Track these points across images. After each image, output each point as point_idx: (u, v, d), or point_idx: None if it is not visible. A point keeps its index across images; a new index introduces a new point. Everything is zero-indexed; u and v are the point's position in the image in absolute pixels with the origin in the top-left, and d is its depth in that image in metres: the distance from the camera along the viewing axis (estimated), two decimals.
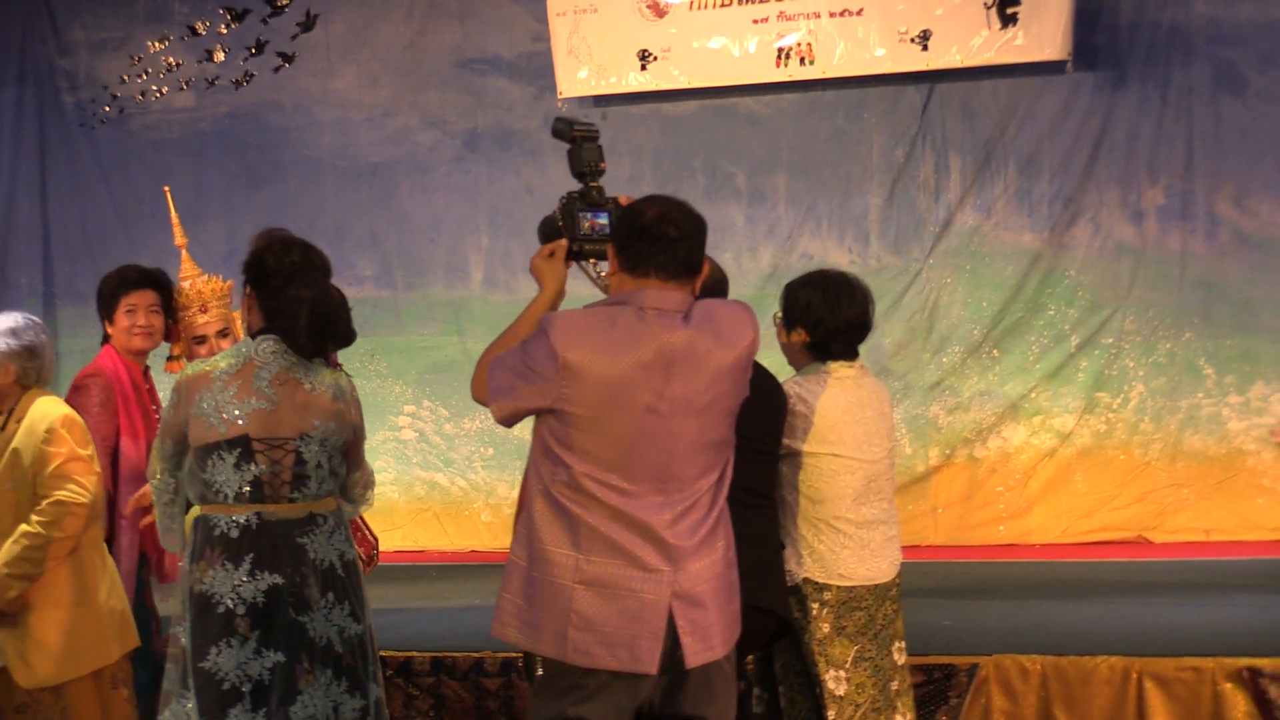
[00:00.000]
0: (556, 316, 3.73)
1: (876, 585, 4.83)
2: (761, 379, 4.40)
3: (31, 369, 5.17)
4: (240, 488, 4.42)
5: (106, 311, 5.73)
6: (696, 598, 3.73)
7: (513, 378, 3.74)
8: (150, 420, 5.66)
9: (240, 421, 4.43)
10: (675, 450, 3.72)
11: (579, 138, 4.23)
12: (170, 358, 5.84)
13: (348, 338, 4.60)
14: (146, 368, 5.84)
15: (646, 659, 3.68)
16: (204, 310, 5.79)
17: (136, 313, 5.69)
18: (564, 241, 4.09)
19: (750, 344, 3.85)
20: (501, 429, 9.43)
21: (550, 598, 3.70)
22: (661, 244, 3.73)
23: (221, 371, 4.47)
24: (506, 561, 3.82)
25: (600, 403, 3.65)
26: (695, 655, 3.74)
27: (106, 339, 5.76)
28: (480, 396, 3.88)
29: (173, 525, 4.66)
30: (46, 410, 5.11)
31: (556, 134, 4.21)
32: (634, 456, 3.68)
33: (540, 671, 3.81)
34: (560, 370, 3.64)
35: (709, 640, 3.76)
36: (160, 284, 5.77)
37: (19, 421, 5.10)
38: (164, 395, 5.12)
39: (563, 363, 3.63)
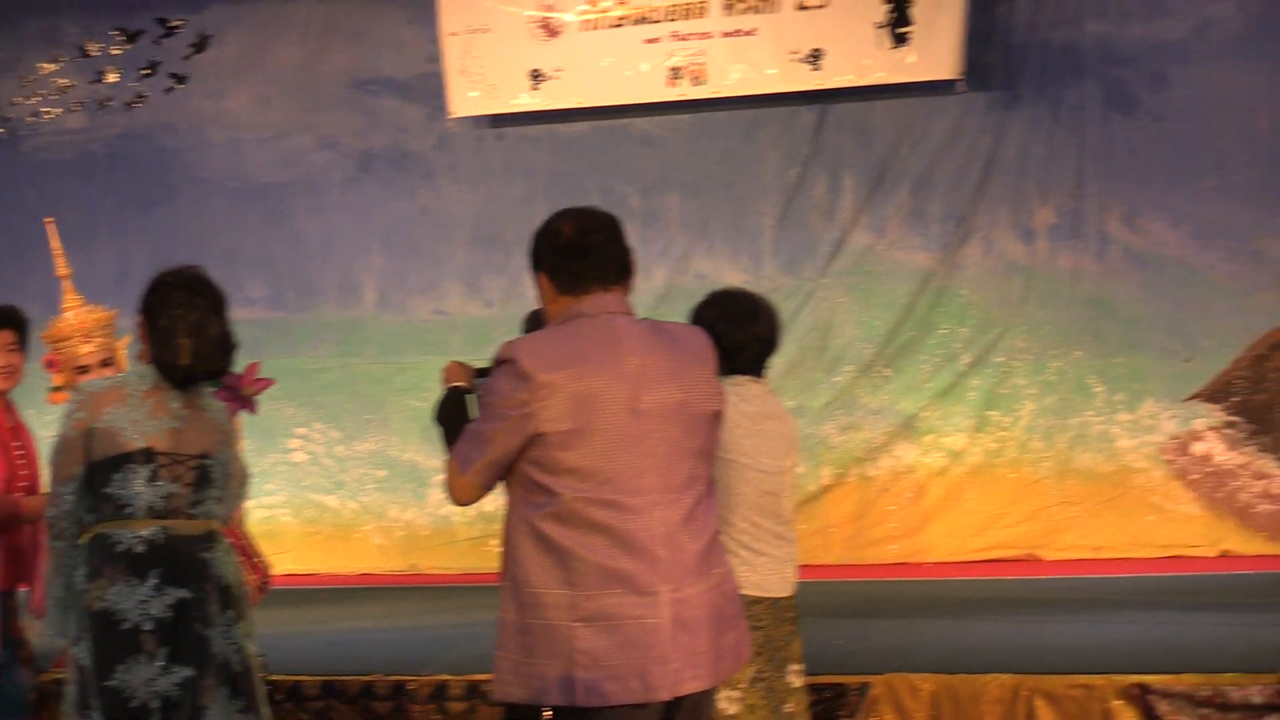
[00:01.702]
0: (518, 343, 3.66)
1: (774, 602, 4.78)
2: None
3: None
4: (153, 501, 4.37)
5: None
6: (690, 623, 3.64)
7: (476, 440, 3.67)
8: (10, 456, 5.54)
9: (154, 435, 4.39)
10: (659, 455, 3.65)
11: None
12: (54, 389, 5.77)
13: (220, 374, 4.57)
14: (8, 403, 5.71)
15: (658, 685, 3.58)
16: (87, 340, 5.74)
17: None
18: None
19: (708, 347, 3.83)
20: (395, 450, 9.58)
21: (549, 643, 3.59)
22: (592, 255, 3.70)
23: (134, 387, 4.44)
24: (497, 621, 3.68)
25: (580, 414, 3.58)
26: (684, 683, 3.62)
27: None
28: (458, 495, 3.75)
29: (67, 597, 4.49)
30: None
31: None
32: (622, 464, 3.60)
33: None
34: (534, 392, 3.57)
35: (699, 670, 3.65)
36: (16, 322, 5.63)
37: None
38: (45, 427, 5.01)
39: (536, 384, 3.57)
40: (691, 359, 3.75)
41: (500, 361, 3.64)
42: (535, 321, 4.19)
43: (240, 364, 4.83)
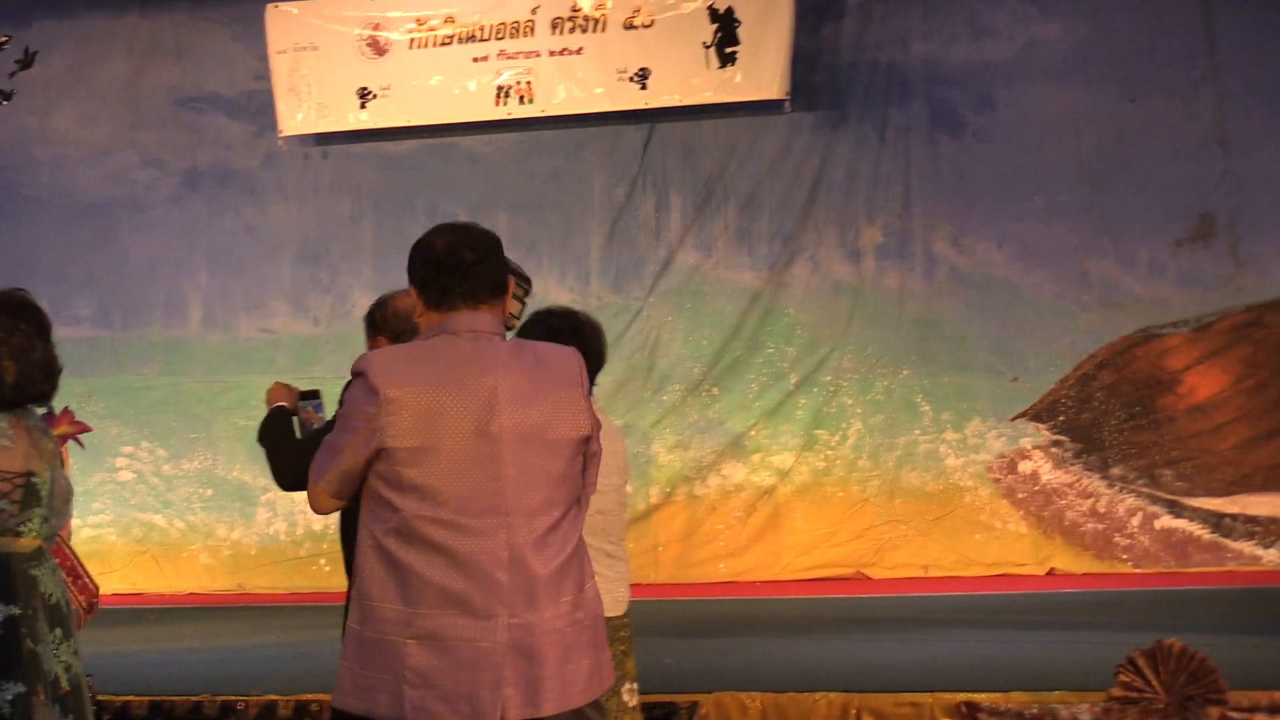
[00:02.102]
0: (371, 356, 3.61)
1: (607, 621, 4.72)
2: None
3: None
4: None
5: None
6: (529, 649, 3.56)
7: (329, 450, 3.62)
8: None
9: None
10: (509, 478, 3.56)
11: None
12: None
13: (44, 398, 4.48)
14: None
15: (488, 709, 3.50)
16: None
17: None
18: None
19: (578, 370, 3.72)
20: (222, 469, 9.48)
21: (383, 657, 3.54)
22: (459, 271, 3.59)
23: None
24: (345, 629, 3.66)
25: (426, 431, 3.51)
26: (515, 709, 3.53)
27: None
28: (313, 503, 3.72)
29: None
30: None
31: None
32: (465, 485, 3.53)
33: None
34: (381, 406, 3.50)
35: (535, 697, 3.55)
36: None
37: None
38: None
39: (384, 399, 3.50)
40: (557, 382, 3.66)
41: (355, 374, 3.58)
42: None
43: (61, 395, 4.77)
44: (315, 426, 4.57)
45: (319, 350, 9.34)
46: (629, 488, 8.63)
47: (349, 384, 3.66)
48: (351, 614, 3.62)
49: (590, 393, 4.77)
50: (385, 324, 4.67)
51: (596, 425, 3.72)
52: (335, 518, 4.47)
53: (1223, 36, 8.79)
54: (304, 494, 3.75)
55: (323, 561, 9.12)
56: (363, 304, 4.73)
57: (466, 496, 3.54)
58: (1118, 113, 8.88)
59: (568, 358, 3.73)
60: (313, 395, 4.66)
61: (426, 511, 3.52)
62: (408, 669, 3.52)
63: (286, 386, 4.47)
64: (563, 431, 3.66)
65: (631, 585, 4.83)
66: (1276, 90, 8.72)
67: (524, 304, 4.24)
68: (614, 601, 4.80)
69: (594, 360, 4.89)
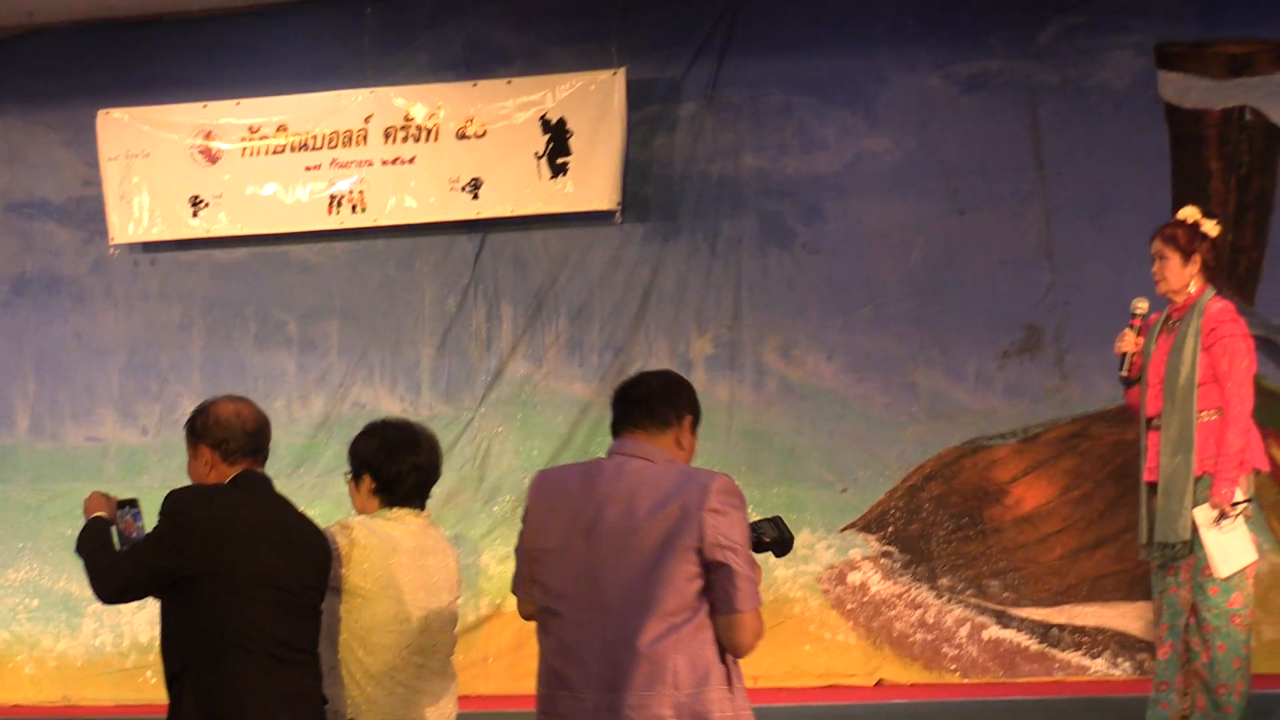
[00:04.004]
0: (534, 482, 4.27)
1: None
2: (303, 528, 4.63)
3: None
4: None
5: None
6: None
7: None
8: None
9: None
10: (607, 578, 4.02)
11: None
12: None
13: None
14: None
15: None
16: None
17: None
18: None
19: (701, 490, 4.06)
20: (48, 579, 9.36)
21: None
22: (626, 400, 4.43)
23: None
24: None
25: (547, 533, 4.11)
26: None
27: None
28: (522, 610, 4.29)
29: None
30: None
31: None
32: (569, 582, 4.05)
33: None
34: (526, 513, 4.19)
35: None
36: None
37: None
38: None
39: (527, 506, 4.20)
40: (672, 497, 4.05)
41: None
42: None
43: None
44: (134, 537, 4.62)
45: (147, 459, 9.27)
46: (459, 599, 8.66)
47: (132, 501, 4.15)
48: None
49: (424, 507, 4.85)
50: (206, 431, 4.71)
51: (712, 539, 3.99)
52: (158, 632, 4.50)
53: (1050, 152, 8.90)
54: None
55: (149, 674, 9.00)
56: (191, 411, 4.73)
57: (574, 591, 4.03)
58: (946, 225, 8.96)
59: (702, 478, 4.08)
60: (131, 504, 4.69)
61: (546, 603, 4.07)
62: None
63: (105, 496, 4.50)
64: (667, 539, 4.00)
65: (462, 698, 4.88)
66: (1101, 205, 8.83)
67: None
68: (442, 717, 4.81)
69: (429, 474, 4.94)
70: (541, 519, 4.10)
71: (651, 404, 4.28)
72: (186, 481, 4.77)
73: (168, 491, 4.59)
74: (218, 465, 4.71)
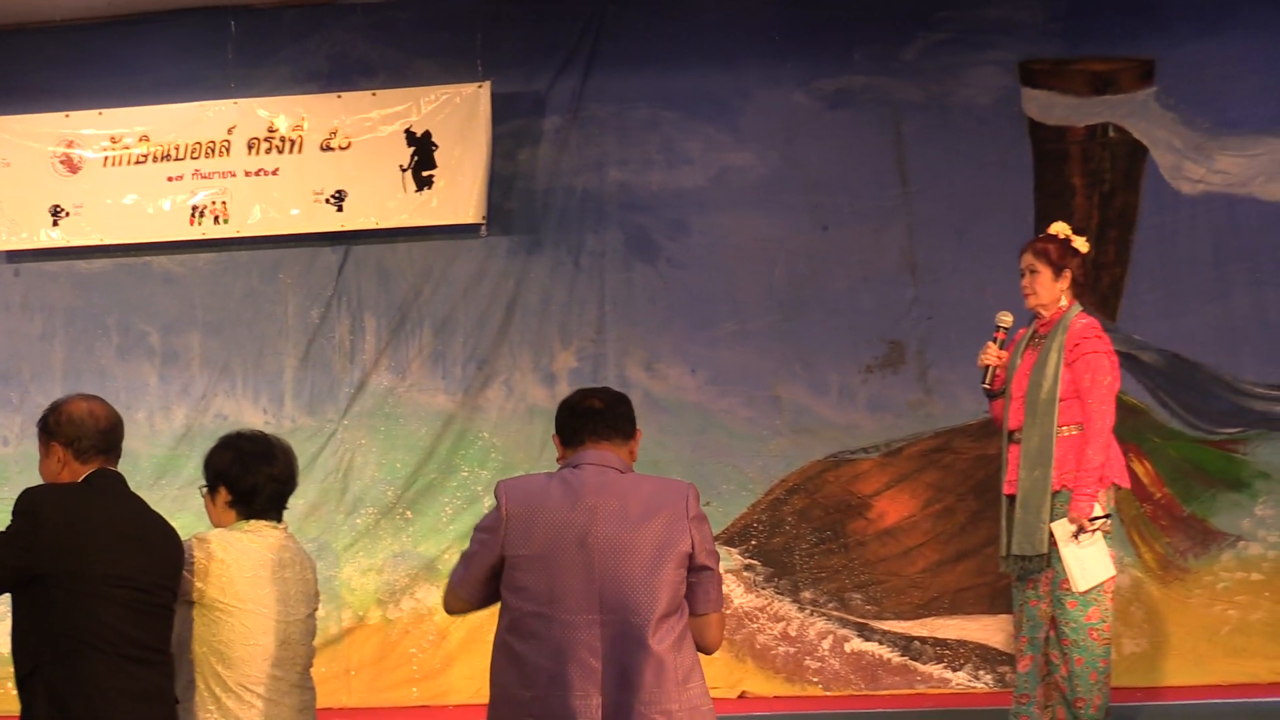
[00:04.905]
0: (504, 482, 4.49)
1: None
2: (157, 527, 4.64)
3: None
4: None
5: None
6: None
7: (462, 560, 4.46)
8: None
9: None
10: (602, 582, 4.26)
11: None
12: None
13: None
14: None
15: None
16: None
17: None
18: None
19: (683, 496, 4.46)
20: None
21: None
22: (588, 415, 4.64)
23: None
24: None
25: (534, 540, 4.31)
26: None
27: None
28: (448, 605, 4.59)
29: None
30: None
31: None
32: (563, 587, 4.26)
33: None
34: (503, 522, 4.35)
35: None
36: None
37: None
38: None
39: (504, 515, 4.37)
40: (655, 507, 4.36)
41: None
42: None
43: None
44: None
45: (8, 470, 9.17)
46: (321, 611, 8.62)
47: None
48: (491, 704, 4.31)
49: (282, 518, 4.84)
50: (59, 429, 4.68)
51: (700, 546, 4.38)
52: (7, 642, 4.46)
53: (913, 168, 8.98)
54: None
55: (9, 685, 8.91)
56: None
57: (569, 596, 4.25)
58: (810, 240, 9.02)
59: (678, 488, 4.47)
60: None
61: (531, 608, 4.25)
62: None
63: None
64: (658, 548, 4.30)
65: (324, 710, 4.89)
66: (965, 221, 8.91)
67: None
68: None
69: (285, 484, 4.93)
70: (522, 528, 4.29)
71: (614, 418, 4.59)
72: None
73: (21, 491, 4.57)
74: (70, 463, 4.70)
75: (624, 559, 4.27)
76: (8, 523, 4.54)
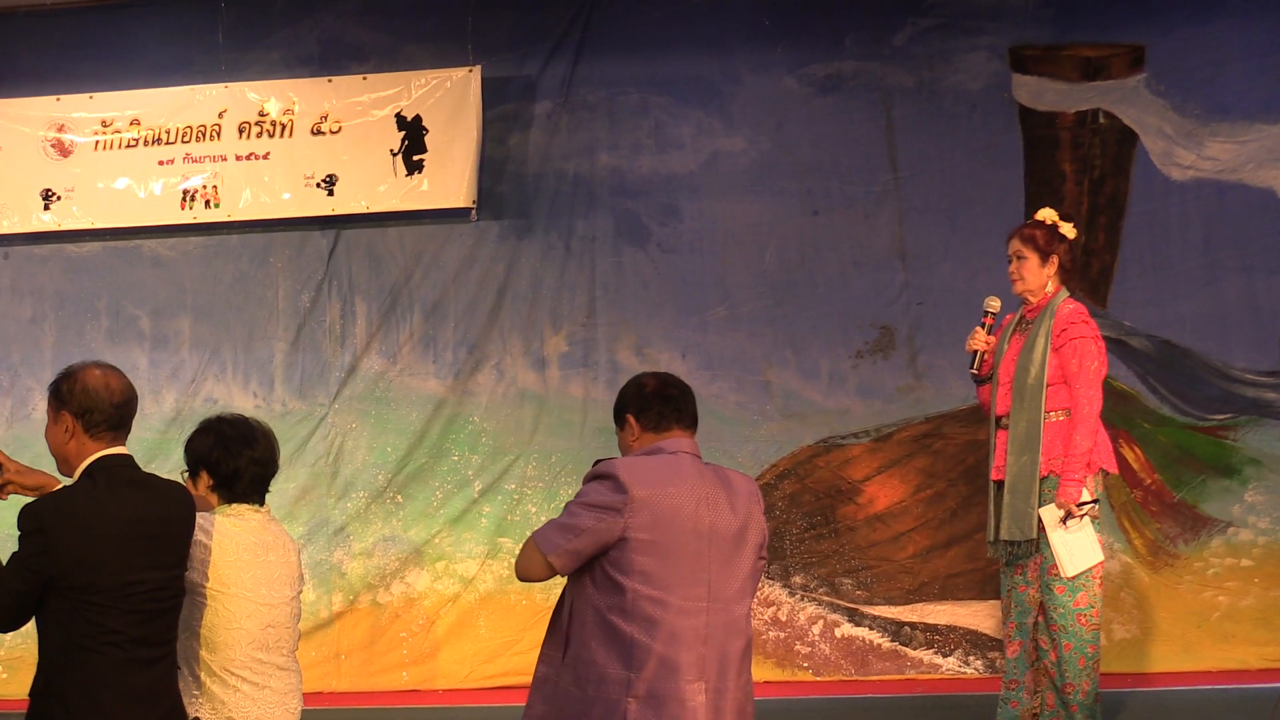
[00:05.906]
0: (618, 461, 4.46)
1: None
2: (162, 512, 4.55)
3: None
4: None
5: None
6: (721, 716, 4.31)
7: (564, 531, 4.36)
8: None
9: None
10: (715, 570, 4.38)
11: None
12: None
13: None
14: None
15: None
16: None
17: None
18: None
19: (757, 490, 4.66)
20: None
21: (603, 713, 4.24)
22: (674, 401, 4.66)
23: None
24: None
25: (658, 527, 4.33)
26: None
27: None
28: (527, 571, 4.48)
29: None
30: None
31: None
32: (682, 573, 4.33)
33: None
34: (629, 504, 4.32)
35: None
36: None
37: None
38: None
39: (630, 496, 4.33)
40: (747, 498, 4.52)
41: (604, 475, 4.40)
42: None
43: None
44: None
45: None
46: (311, 595, 8.63)
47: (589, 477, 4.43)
48: (565, 676, 4.38)
49: (264, 502, 4.83)
50: (72, 397, 4.48)
51: (767, 538, 4.59)
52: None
53: (903, 153, 8.99)
54: None
55: (0, 670, 8.93)
56: (43, 407, 4.61)
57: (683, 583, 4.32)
58: (800, 225, 9.02)
59: (750, 481, 4.60)
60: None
61: (646, 591, 4.28)
62: None
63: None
64: (750, 538, 4.48)
65: (314, 694, 4.87)
66: (954, 207, 8.92)
67: None
68: (287, 714, 4.78)
69: (266, 468, 4.91)
70: (648, 511, 4.30)
71: (693, 407, 4.66)
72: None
73: (20, 508, 4.36)
74: (78, 435, 4.46)
75: (732, 549, 4.39)
76: (16, 543, 4.41)
